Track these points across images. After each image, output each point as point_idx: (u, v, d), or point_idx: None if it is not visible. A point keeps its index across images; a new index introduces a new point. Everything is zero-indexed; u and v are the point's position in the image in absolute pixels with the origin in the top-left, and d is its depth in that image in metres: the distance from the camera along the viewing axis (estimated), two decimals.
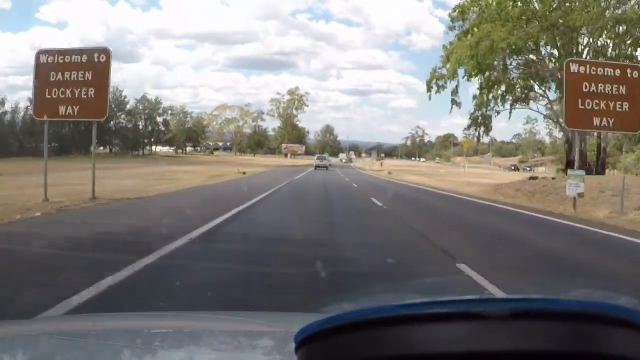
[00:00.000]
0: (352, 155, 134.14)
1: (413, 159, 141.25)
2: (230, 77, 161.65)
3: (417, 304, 0.57)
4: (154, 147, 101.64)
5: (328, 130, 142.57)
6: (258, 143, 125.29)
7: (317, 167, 53.79)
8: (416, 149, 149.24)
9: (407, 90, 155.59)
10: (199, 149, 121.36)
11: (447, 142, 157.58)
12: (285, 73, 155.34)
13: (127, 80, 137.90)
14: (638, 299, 0.64)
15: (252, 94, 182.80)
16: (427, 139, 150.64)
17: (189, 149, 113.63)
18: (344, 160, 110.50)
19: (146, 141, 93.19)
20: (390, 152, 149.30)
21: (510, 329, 0.54)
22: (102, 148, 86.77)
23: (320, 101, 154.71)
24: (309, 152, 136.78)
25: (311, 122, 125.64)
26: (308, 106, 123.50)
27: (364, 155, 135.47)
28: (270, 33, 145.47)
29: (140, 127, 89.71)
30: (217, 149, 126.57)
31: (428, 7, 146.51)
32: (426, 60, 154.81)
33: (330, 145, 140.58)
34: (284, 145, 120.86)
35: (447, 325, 0.55)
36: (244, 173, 28.87)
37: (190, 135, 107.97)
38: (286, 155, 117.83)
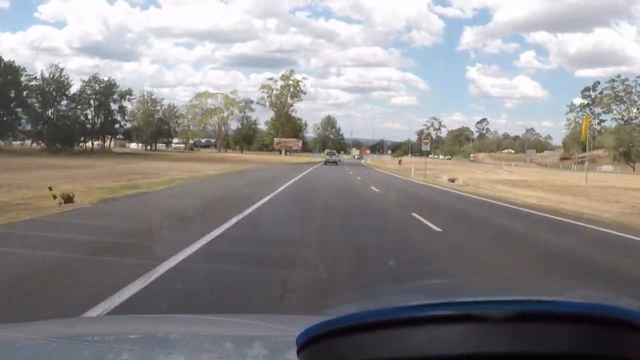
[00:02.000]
0: (357, 151, 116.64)
1: (431, 155, 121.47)
2: (229, 75, 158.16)
3: (418, 306, 0.57)
4: (115, 141, 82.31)
5: (329, 123, 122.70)
6: (246, 137, 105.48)
7: (326, 162, 55.19)
8: (434, 143, 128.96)
9: (407, 88, 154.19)
10: (175, 144, 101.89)
11: (462, 137, 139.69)
12: (285, 70, 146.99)
13: (126, 78, 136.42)
14: (638, 299, 0.64)
15: (251, 91, 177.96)
16: (440, 132, 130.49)
17: (164, 144, 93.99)
18: (356, 157, 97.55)
19: (106, 135, 73.72)
20: (395, 149, 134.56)
21: (511, 331, 0.54)
22: (35, 143, 67.48)
23: (320, 98, 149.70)
24: (306, 149, 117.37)
25: (310, 120, 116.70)
26: (305, 93, 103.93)
27: (368, 151, 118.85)
28: (270, 30, 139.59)
29: (89, 116, 70.06)
30: (207, 146, 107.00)
31: (428, 4, 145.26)
32: (426, 57, 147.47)
33: (331, 139, 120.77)
34: (276, 140, 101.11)
35: (448, 327, 0.55)
36: (55, 197, 9.03)
37: (161, 127, 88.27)
38: (280, 152, 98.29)
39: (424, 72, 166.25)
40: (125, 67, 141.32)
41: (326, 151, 66.26)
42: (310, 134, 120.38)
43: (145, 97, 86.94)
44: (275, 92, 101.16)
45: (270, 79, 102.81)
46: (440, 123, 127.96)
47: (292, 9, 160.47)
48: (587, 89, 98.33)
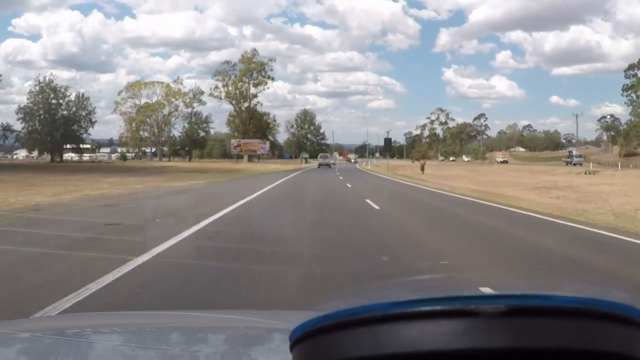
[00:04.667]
0: (353, 155, 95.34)
1: (449, 158, 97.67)
2: (206, 84, 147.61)
3: (412, 301, 0.57)
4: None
5: (306, 118, 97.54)
6: (195, 140, 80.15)
7: (320, 164, 56.81)
8: (438, 143, 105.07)
9: (384, 91, 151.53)
10: (117, 153, 76.52)
11: (464, 134, 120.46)
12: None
13: (102, 90, 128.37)
14: (632, 294, 0.63)
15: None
16: (447, 126, 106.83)
17: (75, 152, 68.34)
18: (352, 160, 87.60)
19: None
20: (381, 152, 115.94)
21: (505, 326, 0.54)
22: None
23: (297, 104, 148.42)
24: (280, 155, 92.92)
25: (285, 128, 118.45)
26: (273, 80, 79.20)
27: (352, 155, 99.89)
28: (246, 37, 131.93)
29: None
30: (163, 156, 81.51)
31: (402, 6, 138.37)
32: (402, 60, 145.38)
33: (309, 140, 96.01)
34: (233, 142, 76.34)
35: (441, 322, 0.55)
36: None
37: (67, 128, 62.62)
38: (243, 158, 73.40)
39: (400, 75, 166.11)
40: (101, 79, 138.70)
41: (319, 155, 67.34)
42: (283, 135, 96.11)
43: (43, 85, 61.13)
44: (232, 78, 76.20)
45: (227, 62, 77.91)
46: (447, 115, 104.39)
47: (267, 15, 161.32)
48: (631, 67, 77.65)
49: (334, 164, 62.74)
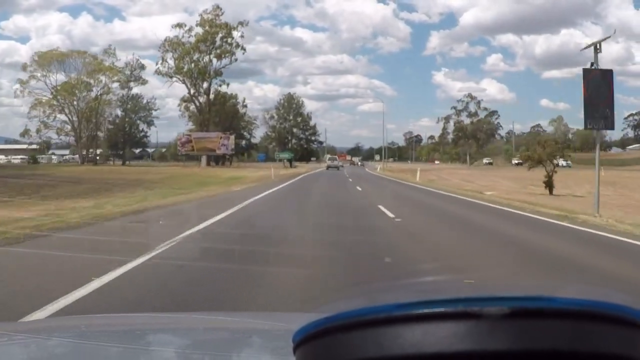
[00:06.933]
0: (357, 159, 77.96)
1: (477, 162, 75.46)
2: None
3: (415, 303, 0.57)
4: None
5: (291, 107, 74.62)
6: (132, 137, 57.66)
7: (328, 167, 53.66)
8: (444, 144, 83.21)
9: (375, 94, 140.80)
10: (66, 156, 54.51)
11: (481, 134, 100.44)
12: (250, 81, 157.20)
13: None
14: (634, 296, 0.62)
15: None
16: (478, 117, 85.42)
17: None
18: (359, 163, 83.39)
19: None
20: (381, 154, 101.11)
21: (508, 328, 0.54)
22: None
23: None
24: (253, 158, 71.00)
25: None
26: (244, 51, 56.57)
27: (355, 157, 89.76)
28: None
29: None
30: (141, 157, 59.18)
31: (393, 10, 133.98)
32: (393, 63, 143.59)
33: (294, 134, 73.64)
34: (180, 137, 54.07)
35: (444, 324, 0.55)
36: None
37: None
38: (200, 160, 51.11)
39: (391, 78, 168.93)
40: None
41: (327, 157, 66.19)
42: (262, 129, 73.98)
43: None
44: (185, 47, 53.71)
45: (179, 25, 55.24)
46: (479, 104, 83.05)
47: (257, 18, 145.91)
48: None
49: (342, 166, 58.96)
